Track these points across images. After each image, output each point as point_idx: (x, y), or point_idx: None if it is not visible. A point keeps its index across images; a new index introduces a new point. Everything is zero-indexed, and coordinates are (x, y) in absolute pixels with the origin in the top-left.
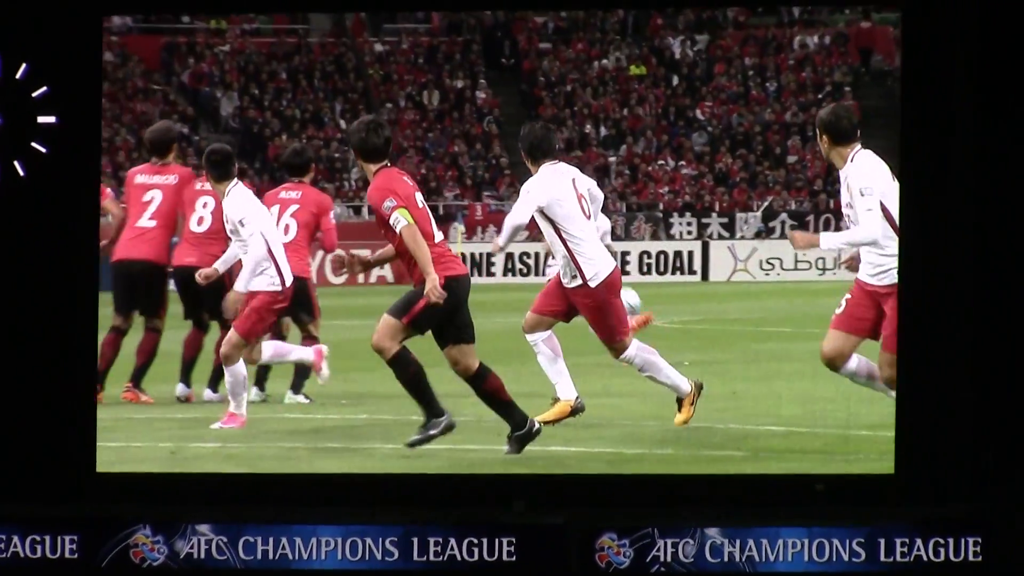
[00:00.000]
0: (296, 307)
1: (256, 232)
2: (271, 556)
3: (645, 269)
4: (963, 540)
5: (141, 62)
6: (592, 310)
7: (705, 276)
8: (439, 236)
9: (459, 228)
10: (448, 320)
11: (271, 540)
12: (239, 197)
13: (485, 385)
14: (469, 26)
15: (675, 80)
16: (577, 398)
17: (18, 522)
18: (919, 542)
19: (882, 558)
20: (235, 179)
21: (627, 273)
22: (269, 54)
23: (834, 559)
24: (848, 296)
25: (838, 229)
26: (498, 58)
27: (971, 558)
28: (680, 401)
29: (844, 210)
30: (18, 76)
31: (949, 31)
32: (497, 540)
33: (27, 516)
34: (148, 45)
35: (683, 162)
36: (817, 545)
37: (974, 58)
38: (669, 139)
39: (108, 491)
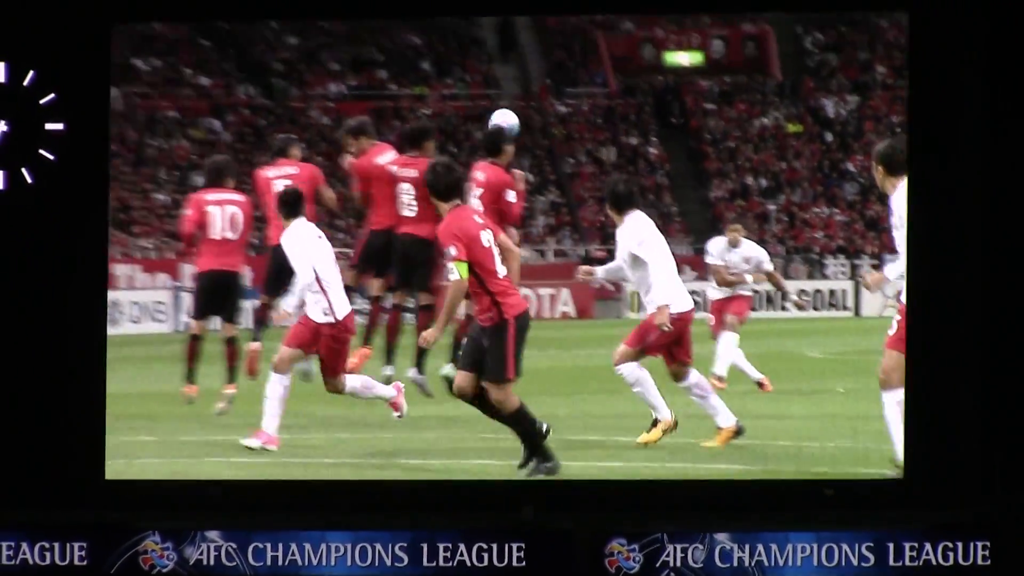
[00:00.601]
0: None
1: (305, 266)
2: (280, 562)
3: (802, 306)
4: (972, 544)
5: None
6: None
7: (857, 312)
8: (502, 271)
9: None
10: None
11: (280, 546)
12: (293, 232)
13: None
14: (643, 90)
15: (829, 136)
16: (738, 421)
17: (27, 529)
18: (928, 547)
19: (891, 562)
20: (301, 217)
21: (785, 309)
22: (465, 116)
23: (843, 564)
24: (898, 317)
25: None
26: (668, 117)
27: (980, 562)
28: (656, 422)
29: (892, 232)
30: (25, 83)
31: (957, 32)
32: (507, 545)
33: (36, 523)
34: (359, 109)
35: (836, 209)
36: (826, 550)
37: (982, 60)
38: (824, 189)
39: (117, 498)
